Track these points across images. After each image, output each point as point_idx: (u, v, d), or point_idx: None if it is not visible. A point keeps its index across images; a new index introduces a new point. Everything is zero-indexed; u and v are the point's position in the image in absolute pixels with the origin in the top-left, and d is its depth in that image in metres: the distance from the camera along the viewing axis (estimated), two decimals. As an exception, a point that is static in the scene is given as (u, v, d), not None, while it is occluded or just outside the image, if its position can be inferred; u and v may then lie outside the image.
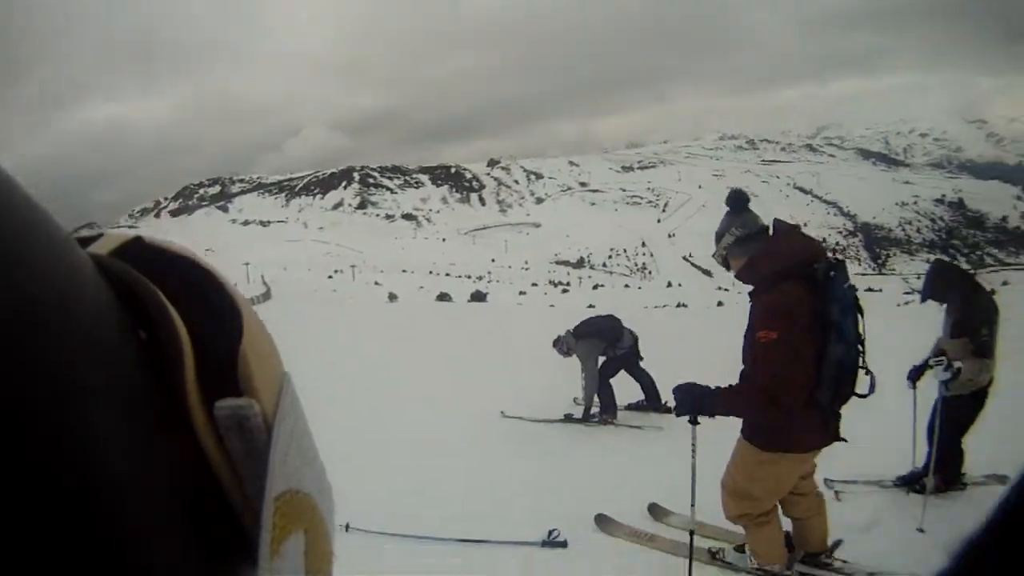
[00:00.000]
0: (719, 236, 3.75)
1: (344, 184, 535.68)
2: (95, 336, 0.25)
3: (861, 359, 3.41)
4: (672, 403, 3.71)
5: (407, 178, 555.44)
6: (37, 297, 0.22)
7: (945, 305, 5.46)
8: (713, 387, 3.49)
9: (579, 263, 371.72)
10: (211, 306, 0.32)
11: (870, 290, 68.20)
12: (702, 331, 17.68)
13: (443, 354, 14.89)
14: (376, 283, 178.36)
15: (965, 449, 5.41)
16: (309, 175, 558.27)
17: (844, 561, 4.01)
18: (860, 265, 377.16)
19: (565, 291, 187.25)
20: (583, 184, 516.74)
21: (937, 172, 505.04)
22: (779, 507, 3.89)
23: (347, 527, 4.46)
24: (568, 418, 8.01)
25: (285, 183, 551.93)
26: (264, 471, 0.29)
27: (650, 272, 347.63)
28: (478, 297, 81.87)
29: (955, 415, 5.22)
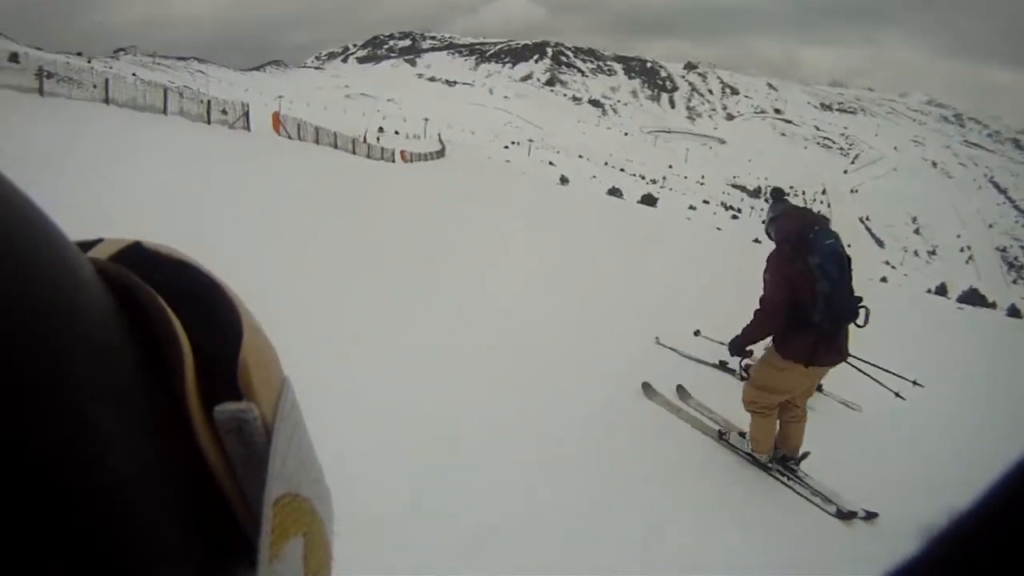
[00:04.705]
0: (767, 215, 5.13)
1: (536, 58, 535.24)
2: (96, 340, 0.25)
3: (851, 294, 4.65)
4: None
5: (600, 63, 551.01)
6: (38, 301, 0.23)
7: None
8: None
9: (755, 192, 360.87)
10: (211, 310, 0.32)
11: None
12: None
13: (604, 255, 13.93)
14: (550, 163, 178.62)
15: None
16: (502, 43, 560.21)
17: (804, 472, 5.12)
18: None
19: (735, 217, 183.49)
20: (777, 111, 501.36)
21: None
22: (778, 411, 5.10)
23: None
24: (722, 365, 7.38)
25: (476, 47, 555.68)
26: (263, 475, 0.30)
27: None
28: (648, 200, 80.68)
29: None
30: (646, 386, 6.05)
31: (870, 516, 4.81)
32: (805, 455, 5.18)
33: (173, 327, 0.29)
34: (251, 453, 0.30)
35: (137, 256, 0.33)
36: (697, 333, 7.97)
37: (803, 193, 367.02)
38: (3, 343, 0.21)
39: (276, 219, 9.06)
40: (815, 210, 4.37)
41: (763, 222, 5.34)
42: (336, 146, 35.55)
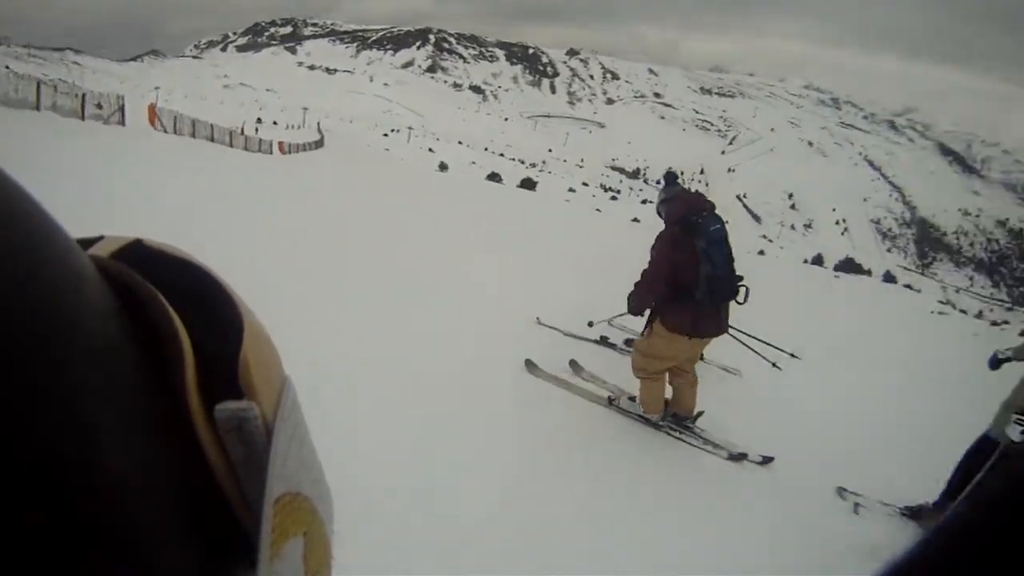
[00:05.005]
0: (658, 197, 5.51)
1: (418, 44, 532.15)
2: (96, 339, 0.25)
3: (733, 276, 5.05)
4: None
5: (483, 50, 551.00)
6: (39, 299, 0.23)
7: None
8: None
9: (634, 173, 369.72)
10: (212, 309, 0.32)
11: (909, 287, 66.72)
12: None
13: (482, 236, 14.42)
14: (430, 150, 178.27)
15: None
16: (384, 30, 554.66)
17: (701, 428, 5.54)
18: (905, 258, 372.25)
19: (614, 198, 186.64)
20: (657, 95, 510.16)
21: (1009, 194, 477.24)
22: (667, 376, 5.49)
23: None
24: (603, 340, 7.63)
25: (359, 33, 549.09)
26: (264, 474, 0.30)
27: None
28: (528, 184, 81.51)
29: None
30: (528, 363, 6.19)
31: (766, 461, 5.33)
32: (700, 414, 5.60)
33: (174, 325, 0.29)
34: (251, 452, 0.30)
35: (138, 254, 0.33)
36: (591, 324, 7.92)
37: (681, 173, 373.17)
38: (3, 341, 0.21)
39: (146, 220, 8.72)
40: (694, 190, 4.70)
41: (657, 202, 5.62)
42: (213, 139, 34.88)
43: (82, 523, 0.23)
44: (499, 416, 5.10)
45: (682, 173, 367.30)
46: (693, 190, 5.71)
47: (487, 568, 3.28)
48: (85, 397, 0.24)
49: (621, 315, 6.30)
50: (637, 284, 5.28)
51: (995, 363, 5.46)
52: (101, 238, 0.34)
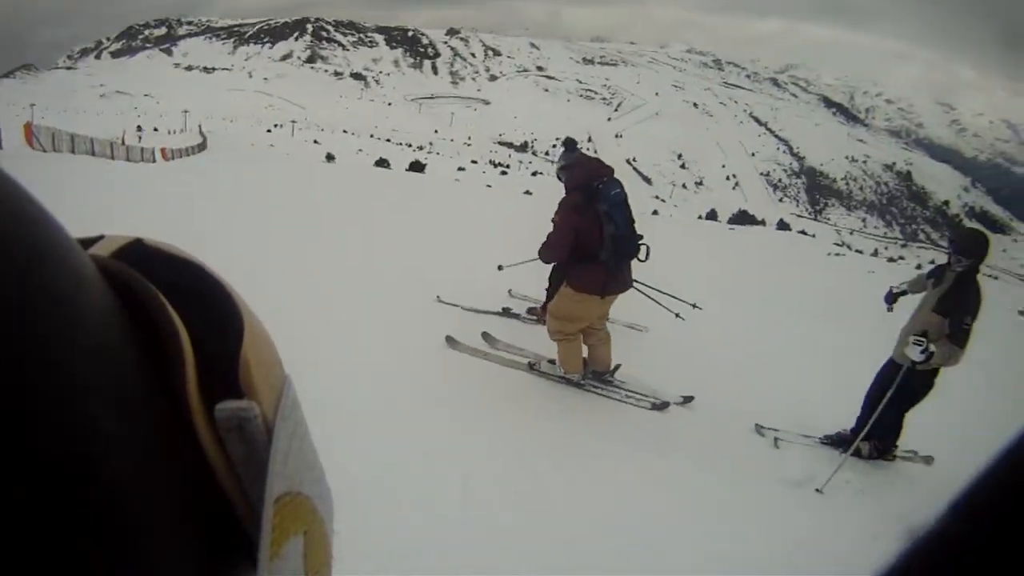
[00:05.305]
0: (558, 163, 5.77)
1: (296, 35, 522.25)
2: (97, 338, 0.25)
3: (634, 237, 5.37)
4: None
5: (362, 36, 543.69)
6: (39, 298, 0.23)
7: (942, 271, 5.38)
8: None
9: (522, 147, 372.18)
10: (212, 308, 0.32)
11: (803, 233, 69.29)
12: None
13: (375, 224, 13.83)
14: (315, 141, 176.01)
15: (905, 423, 5.57)
16: (261, 22, 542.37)
17: (621, 380, 5.96)
18: (798, 207, 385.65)
19: (504, 173, 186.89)
20: (540, 69, 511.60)
21: (893, 140, 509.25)
22: (581, 336, 5.76)
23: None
24: (506, 312, 7.75)
25: (235, 28, 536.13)
26: (264, 473, 0.30)
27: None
28: (417, 167, 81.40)
29: (910, 388, 5.31)
30: (449, 339, 6.32)
31: (687, 400, 5.82)
32: (617, 367, 5.95)
33: (174, 325, 0.29)
34: (252, 452, 0.30)
35: (138, 253, 0.33)
36: (500, 268, 8.17)
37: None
38: (3, 341, 0.21)
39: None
40: (596, 156, 5.20)
41: (556, 167, 5.89)
42: (94, 152, 33.66)
43: (82, 523, 0.23)
44: (423, 393, 5.18)
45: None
46: (594, 156, 5.85)
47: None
48: (85, 397, 0.24)
49: (533, 259, 6.29)
50: (545, 244, 5.52)
51: (891, 298, 5.89)
52: (101, 237, 0.34)
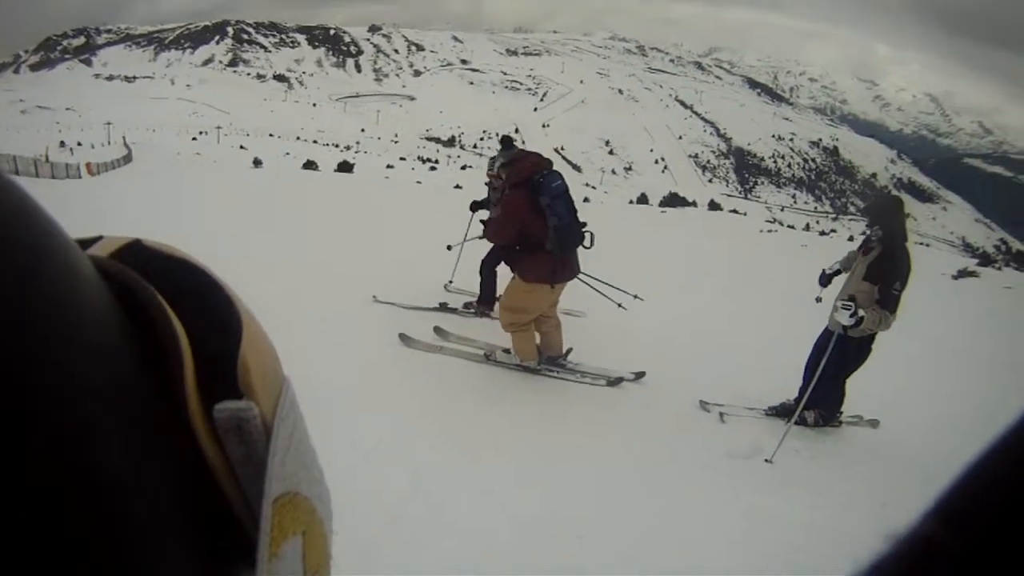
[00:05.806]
0: (497, 161, 6.39)
1: (216, 39, 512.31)
2: (95, 339, 0.25)
3: (578, 226, 5.57)
4: None
5: (283, 36, 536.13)
6: (38, 299, 0.23)
7: (869, 241, 5.49)
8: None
9: (450, 141, 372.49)
10: (210, 309, 0.32)
11: (735, 211, 70.19)
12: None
13: (307, 228, 13.80)
14: (241, 147, 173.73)
15: (847, 389, 5.70)
16: (180, 27, 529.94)
17: (575, 363, 6.23)
18: (728, 187, 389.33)
19: (433, 168, 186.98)
20: (464, 62, 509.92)
21: (818, 117, 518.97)
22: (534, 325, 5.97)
23: None
24: (443, 307, 7.77)
25: (155, 35, 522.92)
26: (263, 473, 0.30)
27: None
28: (345, 167, 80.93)
29: (847, 354, 5.42)
30: (403, 336, 6.38)
31: (639, 376, 6.13)
32: (570, 350, 6.24)
33: (173, 326, 0.29)
34: (251, 452, 0.30)
35: (137, 254, 0.33)
36: (449, 248, 8.29)
37: (496, 134, 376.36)
38: (3, 341, 0.21)
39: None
40: (535, 151, 5.29)
41: (496, 165, 6.45)
42: (18, 171, 33.35)
43: (82, 523, 0.23)
44: (368, 392, 5.21)
45: (496, 134, 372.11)
46: (530, 150, 6.05)
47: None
48: (84, 397, 0.24)
49: (480, 237, 6.64)
50: (487, 234, 6.01)
51: (826, 280, 5.98)
52: (100, 238, 0.34)
